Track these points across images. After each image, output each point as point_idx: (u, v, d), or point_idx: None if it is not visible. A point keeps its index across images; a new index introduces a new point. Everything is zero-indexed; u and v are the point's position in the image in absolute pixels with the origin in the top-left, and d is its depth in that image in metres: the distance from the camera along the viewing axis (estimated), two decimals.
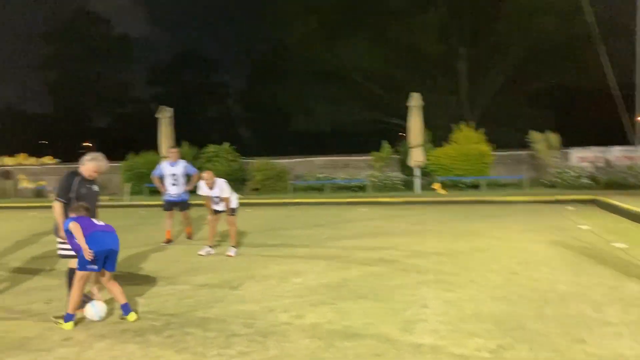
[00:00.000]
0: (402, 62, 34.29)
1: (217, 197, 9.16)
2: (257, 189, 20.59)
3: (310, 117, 38.47)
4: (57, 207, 5.75)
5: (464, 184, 19.79)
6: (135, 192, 20.97)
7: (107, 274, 5.37)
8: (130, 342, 4.79)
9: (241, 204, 14.87)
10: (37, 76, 76.63)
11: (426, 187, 19.85)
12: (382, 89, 35.23)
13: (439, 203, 16.64)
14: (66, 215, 5.70)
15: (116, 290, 5.43)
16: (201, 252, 8.96)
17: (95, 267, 5.15)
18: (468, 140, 20.26)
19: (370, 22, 34.57)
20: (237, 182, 20.83)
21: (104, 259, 5.22)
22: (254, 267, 7.80)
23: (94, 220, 5.42)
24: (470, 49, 33.89)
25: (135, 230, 12.34)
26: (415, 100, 19.66)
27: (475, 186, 19.73)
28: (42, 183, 21.62)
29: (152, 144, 21.21)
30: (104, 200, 19.68)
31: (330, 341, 4.64)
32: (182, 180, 10.25)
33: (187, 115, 59.81)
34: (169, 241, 10.24)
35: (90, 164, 6.00)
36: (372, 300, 5.85)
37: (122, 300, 5.39)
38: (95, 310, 5.39)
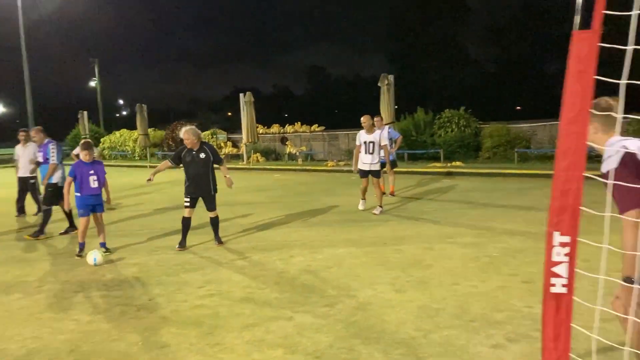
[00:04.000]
0: None
1: (371, 142, 9.50)
2: (488, 158, 18.48)
3: None
4: (164, 163, 7.77)
5: None
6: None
7: None
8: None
9: (454, 173, 14.34)
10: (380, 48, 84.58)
11: None
12: None
13: None
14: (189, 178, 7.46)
15: None
16: (375, 212, 9.64)
17: None
18: None
19: None
20: (469, 150, 19.11)
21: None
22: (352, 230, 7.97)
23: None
24: None
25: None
26: None
27: None
28: (303, 148, 24.13)
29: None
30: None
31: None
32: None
33: (524, 73, 56.45)
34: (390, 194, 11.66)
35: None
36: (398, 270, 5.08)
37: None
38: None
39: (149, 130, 31.87)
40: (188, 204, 7.46)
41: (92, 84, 51.82)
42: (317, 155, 24.80)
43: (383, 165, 10.60)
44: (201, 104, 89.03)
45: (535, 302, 4.56)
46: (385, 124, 14.06)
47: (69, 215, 8.86)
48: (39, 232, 8.49)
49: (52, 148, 8.69)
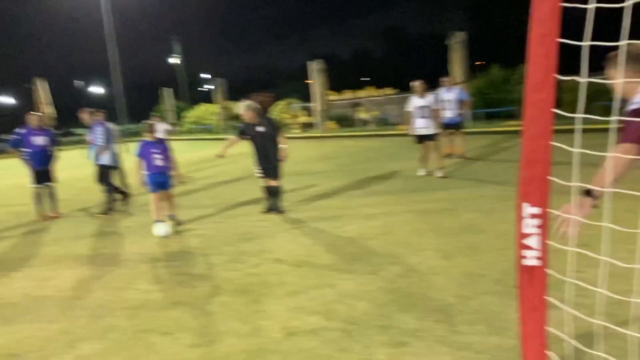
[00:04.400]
0: None
1: (426, 106, 9.58)
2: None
3: None
4: (233, 139, 7.98)
5: None
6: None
7: None
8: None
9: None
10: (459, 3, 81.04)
11: None
12: None
13: None
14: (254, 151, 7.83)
15: None
16: (438, 174, 9.73)
17: None
18: None
19: None
20: None
21: None
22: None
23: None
24: None
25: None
26: None
27: None
28: (375, 113, 23.83)
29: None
30: None
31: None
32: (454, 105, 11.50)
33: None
34: (448, 155, 11.37)
35: None
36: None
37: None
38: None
39: (228, 103, 32.85)
40: (260, 174, 7.88)
41: (173, 60, 53.85)
42: (392, 119, 24.51)
43: (456, 125, 10.77)
44: (280, 73, 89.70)
45: (587, 266, 4.38)
46: (456, 84, 13.74)
47: (118, 189, 9.43)
48: (108, 209, 9.10)
49: (99, 130, 9.12)
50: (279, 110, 29.08)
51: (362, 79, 64.38)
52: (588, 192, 2.33)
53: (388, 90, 25.33)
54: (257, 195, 8.31)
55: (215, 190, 10.94)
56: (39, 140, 9.24)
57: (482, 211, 6.78)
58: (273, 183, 7.88)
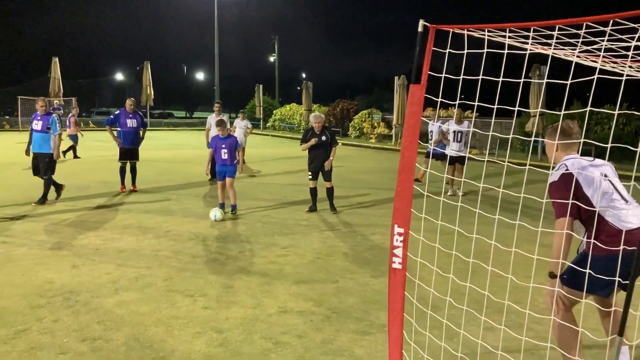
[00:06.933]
0: None
1: (460, 132, 10.75)
2: None
3: None
4: (303, 147, 8.86)
5: None
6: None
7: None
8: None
9: None
10: None
11: None
12: None
13: None
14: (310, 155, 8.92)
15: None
16: (449, 193, 10.78)
17: None
18: None
19: None
20: (628, 150, 17.57)
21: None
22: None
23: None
24: None
25: None
26: None
27: None
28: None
29: None
30: None
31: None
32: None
33: None
34: (416, 180, 11.90)
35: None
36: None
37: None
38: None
39: (315, 106, 34.15)
40: (311, 177, 8.92)
41: (271, 59, 56.18)
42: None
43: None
44: (378, 80, 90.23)
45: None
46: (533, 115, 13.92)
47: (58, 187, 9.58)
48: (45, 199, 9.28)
49: (56, 119, 9.33)
50: (359, 118, 29.90)
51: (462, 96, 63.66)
52: (552, 275, 3.08)
53: (468, 113, 25.39)
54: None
55: (277, 187, 11.93)
56: (131, 122, 10.67)
57: (500, 238, 7.23)
58: (327, 185, 8.92)
